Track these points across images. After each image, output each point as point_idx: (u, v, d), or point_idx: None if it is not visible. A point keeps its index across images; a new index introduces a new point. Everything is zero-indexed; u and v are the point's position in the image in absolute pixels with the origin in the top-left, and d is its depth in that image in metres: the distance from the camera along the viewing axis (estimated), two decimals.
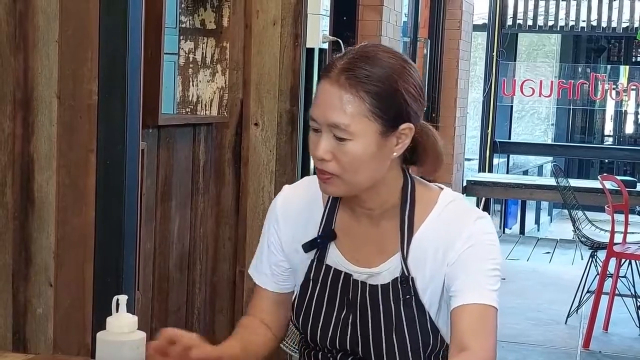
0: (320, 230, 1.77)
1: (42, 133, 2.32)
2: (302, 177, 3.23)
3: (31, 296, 2.38)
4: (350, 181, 1.64)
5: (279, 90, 3.66)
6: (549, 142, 13.91)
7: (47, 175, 2.33)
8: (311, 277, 1.77)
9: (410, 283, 1.69)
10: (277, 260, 1.84)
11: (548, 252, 8.51)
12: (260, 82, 3.63)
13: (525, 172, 12.14)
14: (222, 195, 3.71)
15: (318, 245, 1.76)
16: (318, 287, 1.76)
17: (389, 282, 1.71)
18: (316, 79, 3.81)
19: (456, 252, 1.68)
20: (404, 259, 1.70)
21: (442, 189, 1.77)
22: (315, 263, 1.77)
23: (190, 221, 3.45)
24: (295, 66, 3.59)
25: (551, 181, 7.96)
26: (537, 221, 12.05)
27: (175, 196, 3.32)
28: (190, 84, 3.45)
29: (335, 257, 1.76)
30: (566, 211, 6.62)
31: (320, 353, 1.79)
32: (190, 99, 3.45)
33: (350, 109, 1.60)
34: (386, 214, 1.72)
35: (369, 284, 1.72)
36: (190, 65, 3.45)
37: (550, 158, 12.57)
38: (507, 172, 11.16)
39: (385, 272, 1.72)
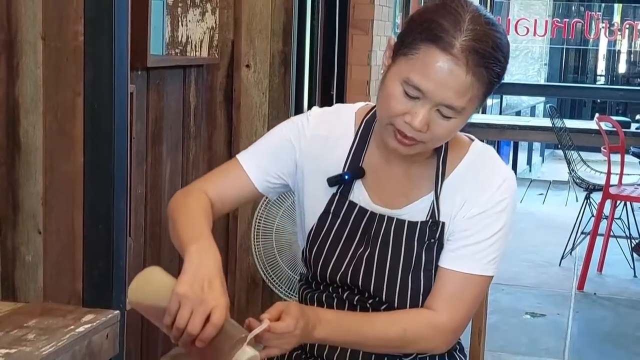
0: (347, 165, 1.72)
1: (27, 76, 2.26)
2: None
3: (20, 243, 2.33)
4: (430, 147, 1.63)
5: (271, 30, 3.58)
6: (542, 82, 13.83)
7: (34, 119, 2.27)
8: (331, 211, 1.73)
9: (440, 228, 1.68)
10: (281, 167, 1.77)
11: (541, 194, 8.52)
12: (251, 22, 3.55)
13: (518, 113, 12.08)
14: (213, 138, 3.66)
15: (344, 181, 1.72)
16: (338, 222, 1.73)
17: (417, 222, 1.69)
18: (309, 18, 3.73)
19: (470, 213, 1.67)
20: (437, 204, 1.68)
21: (472, 140, 1.75)
22: (337, 197, 1.73)
23: (182, 165, 3.41)
24: (288, 5, 3.51)
25: (545, 122, 7.91)
26: (529, 162, 12.04)
27: (166, 140, 3.26)
28: (180, 24, 3.36)
29: (360, 195, 1.73)
30: (558, 151, 6.61)
31: (324, 295, 1.75)
32: (179, 39, 3.37)
33: (470, 93, 1.54)
34: (417, 158, 1.69)
35: (397, 219, 1.70)
36: (179, 5, 3.35)
37: (543, 98, 12.52)
38: (500, 113, 11.11)
39: (407, 214, 1.70)
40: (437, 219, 1.68)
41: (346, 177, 1.71)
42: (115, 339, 2.24)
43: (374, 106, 1.70)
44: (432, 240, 1.68)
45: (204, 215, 1.66)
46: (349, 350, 1.71)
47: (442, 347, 1.69)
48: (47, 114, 2.26)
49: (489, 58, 1.53)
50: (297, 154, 1.75)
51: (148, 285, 1.50)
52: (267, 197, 3.45)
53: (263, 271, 3.49)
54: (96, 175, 2.26)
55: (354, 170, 1.72)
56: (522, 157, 11.48)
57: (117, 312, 2.25)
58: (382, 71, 1.63)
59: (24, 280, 2.34)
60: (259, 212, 3.47)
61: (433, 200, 1.68)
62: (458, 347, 1.81)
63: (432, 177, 1.69)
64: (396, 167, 1.71)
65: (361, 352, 1.71)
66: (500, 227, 1.67)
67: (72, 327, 2.12)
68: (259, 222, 3.46)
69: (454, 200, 1.68)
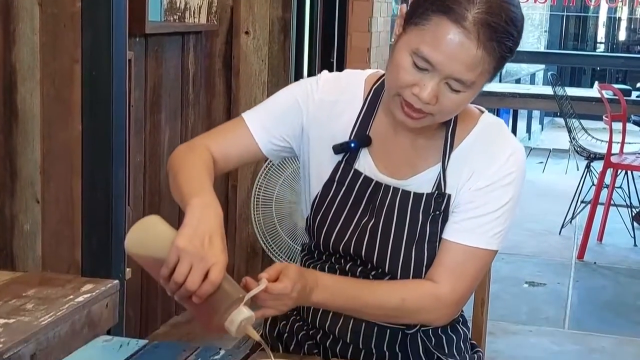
0: (354, 132, 1.69)
1: (23, 42, 2.23)
2: None
3: (18, 212, 2.31)
4: (439, 120, 1.59)
5: None
6: (542, 49, 13.77)
7: (31, 86, 2.24)
8: (336, 179, 1.70)
9: (445, 200, 1.64)
10: (286, 129, 1.73)
11: (541, 162, 8.49)
12: None
13: (518, 81, 12.03)
14: (212, 106, 3.63)
15: (351, 149, 1.68)
16: (343, 190, 1.69)
17: (423, 193, 1.66)
18: None
19: (477, 185, 1.63)
20: (444, 175, 1.65)
21: (482, 111, 1.71)
22: (343, 165, 1.69)
23: (181, 133, 3.38)
24: None
25: (545, 89, 7.86)
26: (529, 130, 12.01)
27: (165, 107, 3.23)
28: None
29: (365, 163, 1.70)
30: (557, 119, 6.57)
31: (326, 265, 1.73)
32: (177, 5, 3.32)
33: (480, 67, 1.50)
34: (425, 129, 1.65)
35: (402, 190, 1.66)
36: None
37: (543, 66, 12.45)
38: (500, 81, 11.06)
39: (413, 185, 1.67)
40: (443, 190, 1.64)
41: (352, 145, 1.68)
42: (114, 308, 2.23)
43: (384, 73, 1.67)
44: (437, 212, 1.65)
45: (206, 170, 1.63)
46: (352, 322, 1.69)
47: (443, 319, 1.66)
48: (44, 81, 2.23)
49: (501, 32, 1.49)
50: (304, 117, 1.72)
51: (147, 235, 1.48)
52: (267, 165, 3.42)
53: (263, 240, 3.47)
54: (94, 143, 2.23)
55: (361, 138, 1.68)
56: (521, 125, 11.45)
57: (116, 281, 2.24)
58: (393, 40, 1.59)
59: (22, 249, 2.32)
60: (258, 181, 3.44)
61: (440, 172, 1.65)
62: (461, 319, 1.78)
63: (439, 148, 1.66)
64: (403, 137, 1.67)
65: (363, 324, 1.69)
66: (506, 201, 1.64)
67: (72, 296, 2.11)
68: (258, 191, 3.44)
69: (461, 171, 1.65)
